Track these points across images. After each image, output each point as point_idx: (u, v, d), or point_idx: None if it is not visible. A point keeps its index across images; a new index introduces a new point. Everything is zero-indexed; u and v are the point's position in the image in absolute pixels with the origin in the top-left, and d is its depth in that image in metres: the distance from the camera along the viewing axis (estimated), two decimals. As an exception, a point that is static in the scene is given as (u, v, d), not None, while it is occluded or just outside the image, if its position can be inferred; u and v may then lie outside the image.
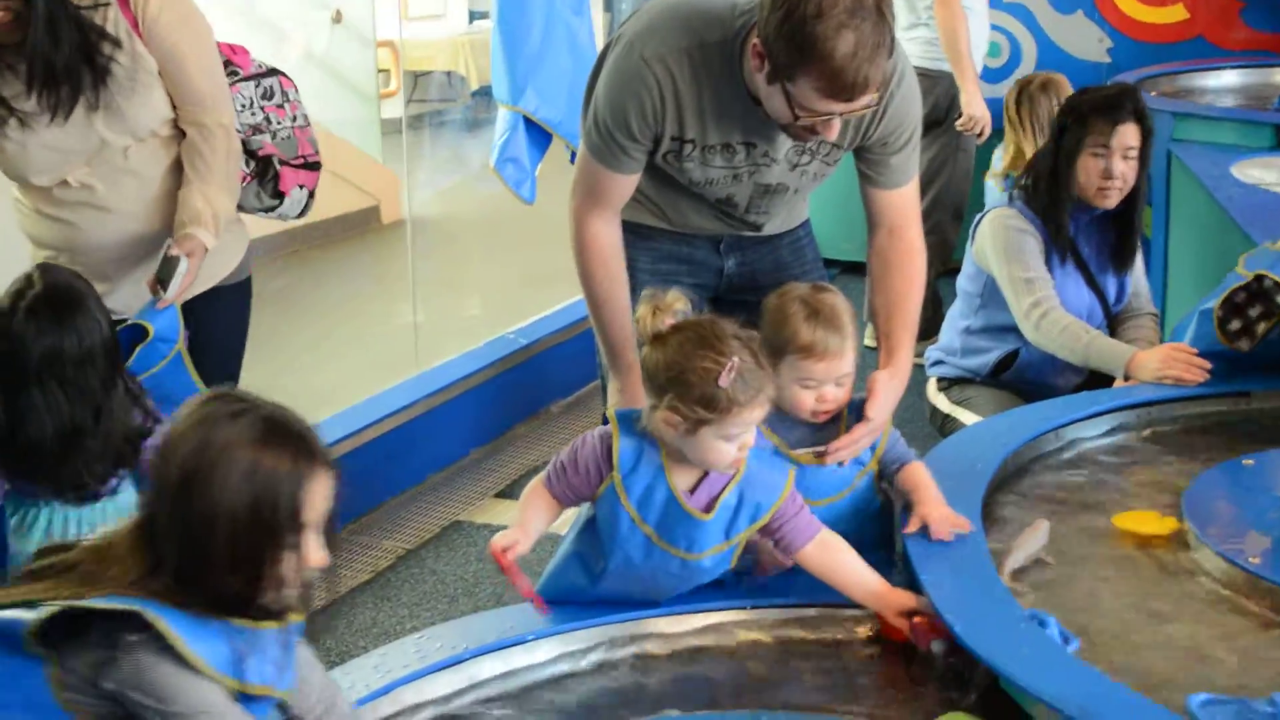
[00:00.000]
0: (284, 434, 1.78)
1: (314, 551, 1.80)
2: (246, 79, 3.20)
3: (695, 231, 2.97)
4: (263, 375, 5.11)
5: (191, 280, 2.81)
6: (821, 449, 2.58)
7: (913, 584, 2.38)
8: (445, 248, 7.48)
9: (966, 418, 3.65)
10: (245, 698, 1.81)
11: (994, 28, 6.16)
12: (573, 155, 4.67)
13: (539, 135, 4.69)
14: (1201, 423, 3.18)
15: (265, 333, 5.87)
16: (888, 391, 2.66)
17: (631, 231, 2.90)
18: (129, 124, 2.84)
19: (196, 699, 1.74)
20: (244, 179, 3.12)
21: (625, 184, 2.82)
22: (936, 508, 2.50)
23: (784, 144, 2.75)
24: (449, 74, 12.06)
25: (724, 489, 2.35)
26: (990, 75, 6.87)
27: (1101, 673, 2.06)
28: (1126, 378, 3.35)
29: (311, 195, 3.29)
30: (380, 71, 9.26)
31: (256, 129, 3.14)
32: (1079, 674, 2.05)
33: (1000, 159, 5.07)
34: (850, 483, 2.63)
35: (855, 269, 3.59)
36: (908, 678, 2.32)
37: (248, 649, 1.79)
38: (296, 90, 3.27)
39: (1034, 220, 3.63)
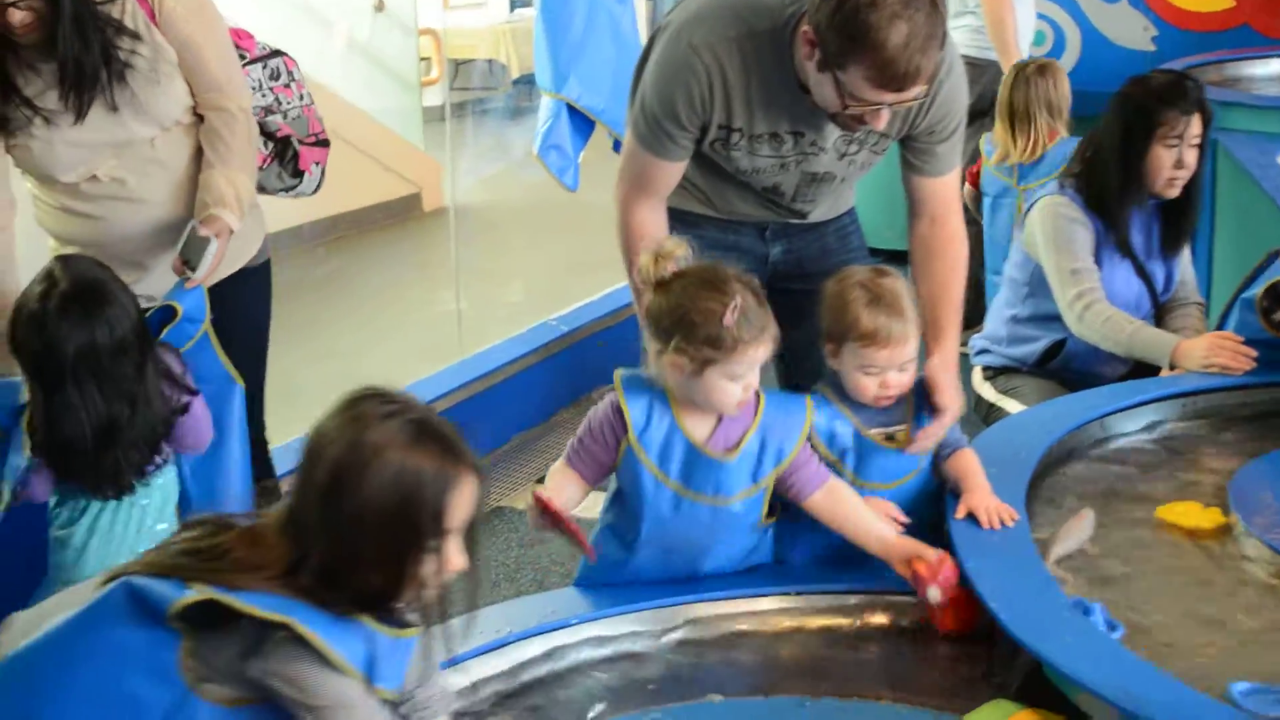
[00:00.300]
0: (434, 437, 1.80)
1: (455, 556, 1.83)
2: (253, 62, 3.21)
3: (741, 219, 2.98)
4: (307, 360, 5.14)
5: (219, 261, 2.82)
6: (892, 431, 2.59)
7: (958, 570, 2.38)
8: (487, 235, 7.50)
9: (1012, 407, 3.63)
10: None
11: (1039, 16, 6.13)
12: (615, 143, 4.69)
13: (582, 123, 4.69)
14: (1247, 412, 3.16)
15: (309, 318, 5.92)
16: (949, 379, 2.67)
17: (677, 219, 2.91)
18: (154, 114, 2.85)
19: (337, 693, 1.78)
20: (263, 160, 3.13)
21: (672, 171, 2.82)
22: (985, 497, 2.51)
23: (832, 133, 2.75)
24: (490, 62, 12.07)
25: (745, 434, 2.39)
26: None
27: (1145, 660, 2.06)
28: (1172, 367, 3.33)
29: (324, 172, 3.31)
30: (422, 60, 9.28)
31: (269, 110, 3.16)
32: (1123, 661, 2.05)
33: (993, 148, 5.01)
34: (917, 465, 2.64)
35: (898, 257, 3.60)
36: (951, 664, 2.33)
37: (380, 653, 1.83)
38: (299, 69, 3.28)
39: (1086, 210, 3.61)
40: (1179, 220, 3.65)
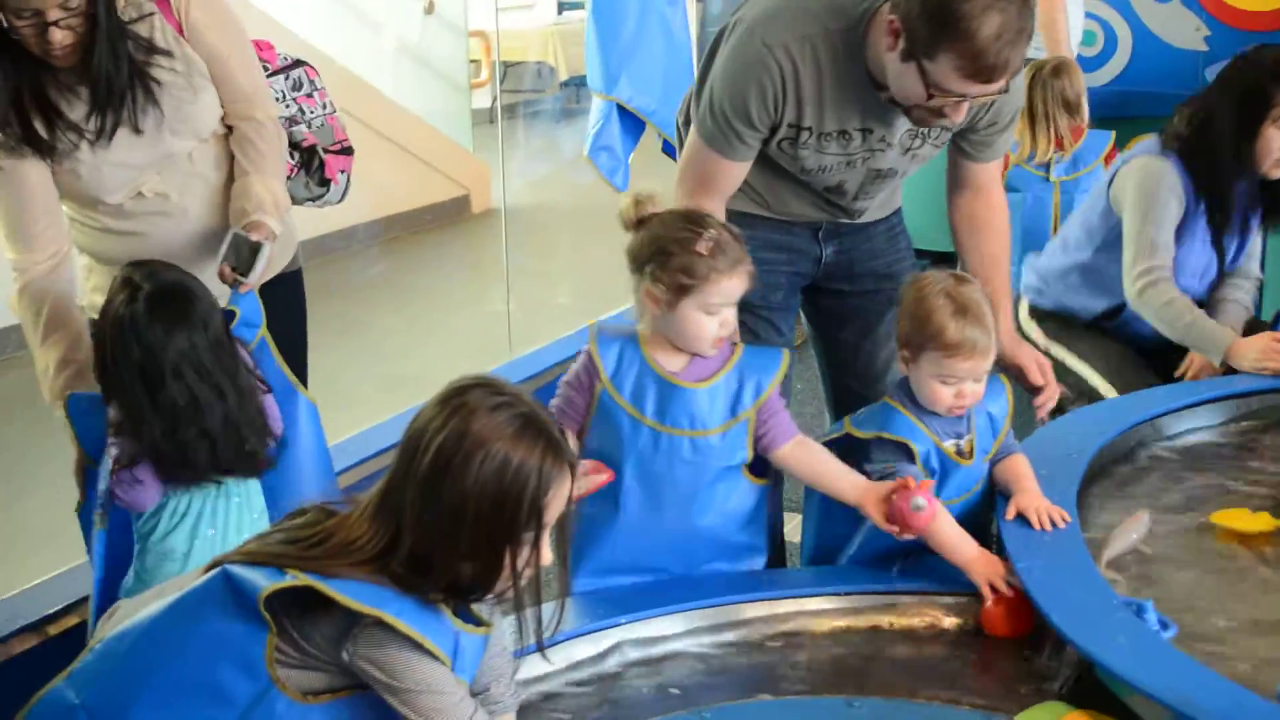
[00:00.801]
0: (539, 431, 1.82)
1: (545, 550, 1.85)
2: (276, 73, 3.21)
3: (795, 219, 2.97)
4: (355, 360, 5.18)
5: (268, 265, 2.84)
6: (959, 444, 2.58)
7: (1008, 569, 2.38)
8: (537, 236, 7.53)
9: (1066, 358, 3.65)
10: None
11: (1089, 15, 6.09)
12: (664, 144, 4.70)
13: (632, 124, 4.70)
14: (1301, 413, 3.14)
15: (359, 319, 5.95)
16: (1026, 351, 2.82)
17: (732, 219, 2.90)
18: (192, 127, 2.85)
19: (424, 676, 1.81)
20: (291, 170, 3.14)
21: (737, 171, 2.81)
22: (1035, 498, 2.51)
23: (900, 128, 2.74)
24: (539, 64, 12.10)
25: (720, 369, 2.45)
26: (1085, 64, 6.79)
27: (1197, 661, 2.05)
28: (1224, 364, 3.31)
29: (349, 180, 3.31)
30: (471, 62, 9.32)
31: (293, 120, 3.16)
32: (1174, 662, 2.04)
33: (1015, 146, 4.99)
34: (983, 476, 2.63)
35: (946, 259, 3.61)
36: (1003, 665, 2.32)
37: (462, 645, 1.86)
38: (320, 78, 3.29)
39: (1184, 175, 3.56)
40: (1277, 198, 3.62)
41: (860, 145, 2.76)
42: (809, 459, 2.54)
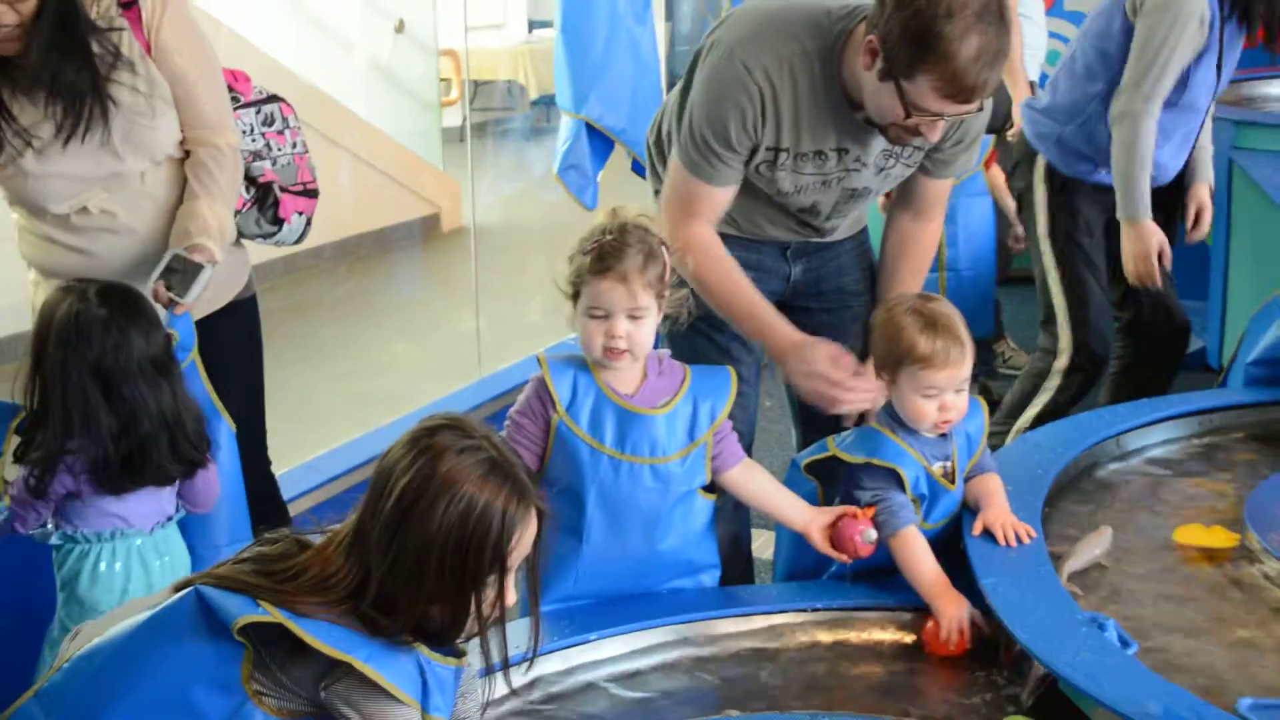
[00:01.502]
0: (505, 475, 1.83)
1: (510, 592, 1.86)
2: (247, 105, 3.17)
3: (765, 239, 2.99)
4: (324, 379, 5.17)
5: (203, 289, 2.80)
6: (944, 467, 2.60)
7: (973, 586, 2.40)
8: (507, 254, 7.53)
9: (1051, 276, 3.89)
10: None
11: (1053, 35, 6.13)
12: (634, 163, 4.72)
13: (601, 143, 4.72)
14: (1263, 430, 3.17)
15: (328, 337, 5.95)
16: None
17: None
18: (147, 148, 2.82)
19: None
20: (242, 205, 3.10)
21: (722, 197, 2.80)
22: (1001, 514, 2.53)
23: (875, 147, 2.76)
24: (509, 83, 12.11)
25: (675, 396, 2.46)
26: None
27: (1160, 676, 2.07)
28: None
29: (309, 222, 3.26)
30: (441, 80, 9.32)
31: (257, 155, 3.12)
32: (1138, 677, 2.06)
33: None
34: (962, 498, 2.65)
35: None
36: (967, 680, 2.34)
37: (433, 682, 1.86)
38: (296, 116, 3.25)
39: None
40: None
41: (836, 165, 2.77)
42: (755, 483, 2.59)
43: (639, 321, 2.39)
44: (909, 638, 2.46)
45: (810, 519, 2.55)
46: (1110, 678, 2.04)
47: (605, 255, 2.37)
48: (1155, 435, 3.11)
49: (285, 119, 3.20)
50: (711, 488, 2.56)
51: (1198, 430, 3.16)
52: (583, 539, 2.46)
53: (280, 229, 3.17)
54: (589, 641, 2.38)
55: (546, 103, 10.98)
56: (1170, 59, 3.64)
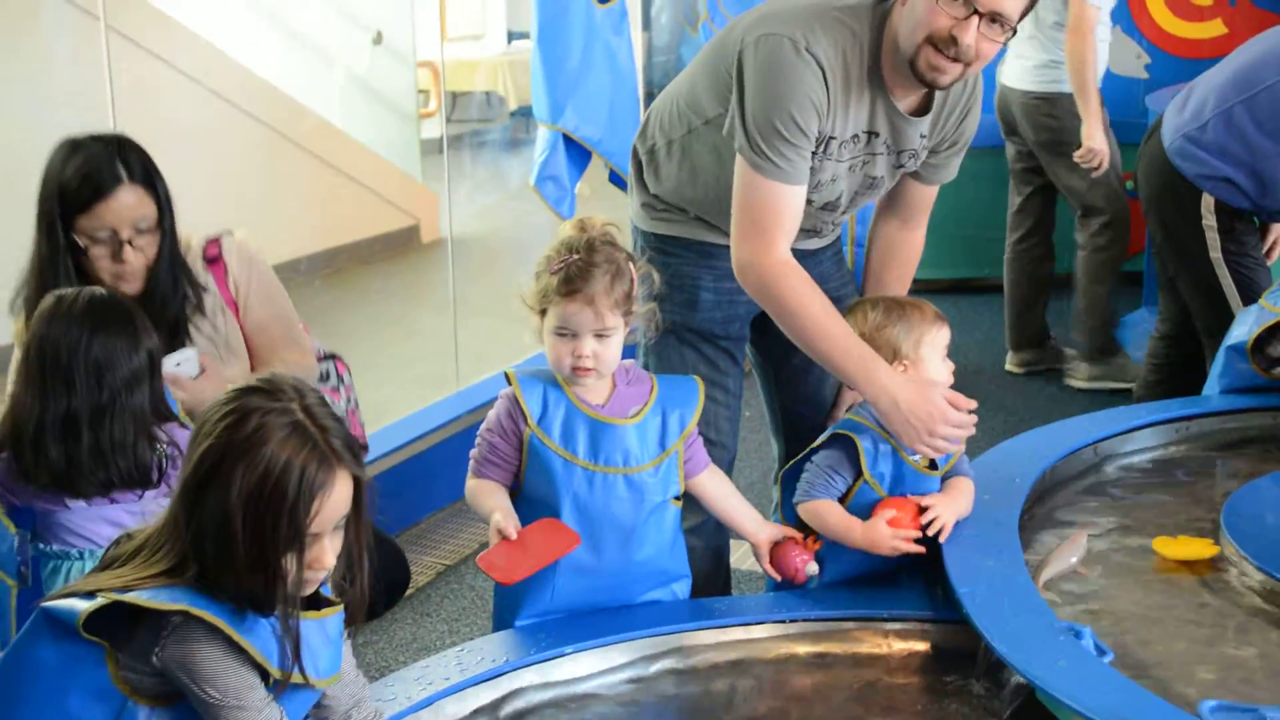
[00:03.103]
0: (305, 436, 1.79)
1: (326, 555, 1.82)
2: None
3: None
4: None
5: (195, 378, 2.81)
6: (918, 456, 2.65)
7: (949, 595, 2.40)
8: (485, 265, 7.52)
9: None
10: (288, 688, 1.84)
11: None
12: (611, 174, 4.72)
13: (578, 154, 4.71)
14: (1239, 436, 3.19)
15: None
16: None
17: (695, 250, 2.90)
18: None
19: (234, 689, 1.77)
20: None
21: (799, 200, 2.72)
22: (945, 508, 2.57)
23: (908, 137, 2.77)
24: (488, 94, 12.12)
25: (644, 406, 2.47)
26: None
27: (1136, 684, 2.07)
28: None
29: None
30: (420, 92, 9.32)
31: None
32: (1114, 685, 2.06)
33: None
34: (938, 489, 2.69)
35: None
36: (945, 690, 2.33)
37: (291, 640, 1.82)
38: (350, 374, 3.30)
39: None
40: None
41: (864, 148, 2.77)
42: (719, 490, 2.63)
43: (606, 340, 2.41)
44: (886, 648, 2.45)
45: (758, 531, 2.61)
46: (1087, 686, 2.04)
47: (572, 277, 2.38)
48: (1133, 443, 3.12)
49: (340, 376, 3.25)
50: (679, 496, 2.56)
51: (1175, 437, 3.17)
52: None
53: None
54: (565, 655, 2.37)
55: (526, 114, 10.98)
56: None
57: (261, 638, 1.79)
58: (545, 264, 2.42)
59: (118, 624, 1.79)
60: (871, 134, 2.76)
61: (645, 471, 2.45)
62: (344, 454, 1.82)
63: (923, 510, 2.55)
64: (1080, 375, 5.51)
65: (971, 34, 2.58)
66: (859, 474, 2.61)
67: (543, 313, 2.43)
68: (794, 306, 2.69)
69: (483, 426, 2.49)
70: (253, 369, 2.99)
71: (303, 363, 3.05)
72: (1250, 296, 3.83)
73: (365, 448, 3.18)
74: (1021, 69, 5.28)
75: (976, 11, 2.55)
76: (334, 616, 1.90)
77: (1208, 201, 3.87)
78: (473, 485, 2.49)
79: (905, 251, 3.06)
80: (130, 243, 2.75)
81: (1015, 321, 5.72)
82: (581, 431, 2.43)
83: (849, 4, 2.72)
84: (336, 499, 1.81)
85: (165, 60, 6.61)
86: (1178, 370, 4.27)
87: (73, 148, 2.77)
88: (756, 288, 2.73)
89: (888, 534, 2.53)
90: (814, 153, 2.71)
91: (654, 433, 2.47)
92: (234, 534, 1.75)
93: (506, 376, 2.48)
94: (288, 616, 1.80)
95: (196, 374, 2.79)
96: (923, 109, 2.77)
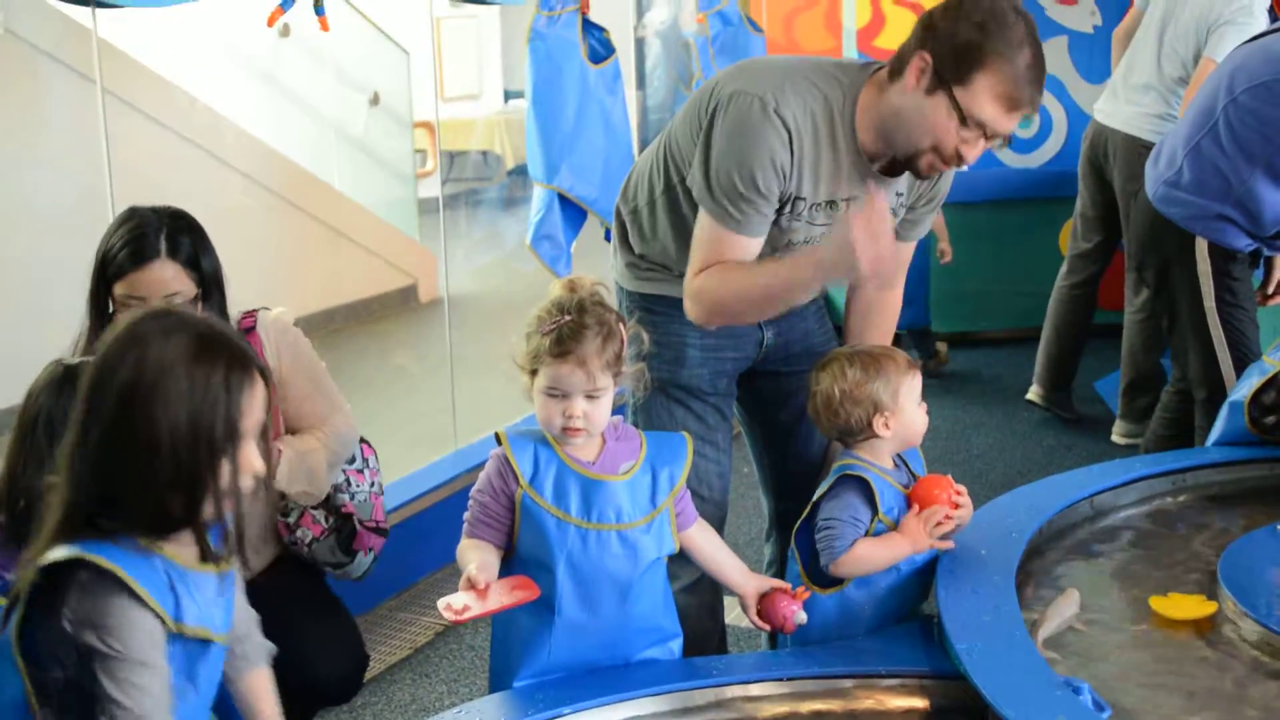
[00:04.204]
0: (218, 347, 1.82)
1: (253, 459, 1.86)
2: None
3: None
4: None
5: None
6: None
7: (946, 651, 2.39)
8: (483, 324, 7.53)
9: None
10: (193, 649, 1.86)
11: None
12: (606, 232, 4.74)
13: (574, 213, 4.74)
14: (1235, 489, 3.19)
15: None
16: None
17: (680, 308, 2.89)
18: None
19: (140, 646, 1.78)
20: (321, 533, 3.14)
21: (752, 247, 2.75)
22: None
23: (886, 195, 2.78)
24: (484, 153, 12.18)
25: (634, 464, 2.47)
26: (1022, 146, 6.92)
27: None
28: None
29: (375, 560, 3.30)
30: (417, 151, 9.37)
31: (337, 488, 3.17)
32: (1113, 741, 2.05)
33: None
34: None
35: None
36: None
37: (183, 589, 1.84)
38: (377, 458, 3.32)
39: None
40: None
41: (843, 214, 2.78)
42: (709, 542, 2.63)
43: (596, 400, 2.41)
44: (884, 705, 2.45)
45: (745, 583, 2.62)
46: (1085, 742, 2.03)
47: (564, 338, 2.39)
48: (1129, 495, 3.12)
49: (366, 459, 3.26)
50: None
51: (1171, 489, 3.17)
52: (555, 610, 2.44)
53: (352, 560, 3.18)
54: (564, 716, 2.36)
55: (522, 172, 11.03)
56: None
57: (158, 587, 1.81)
58: (536, 324, 2.43)
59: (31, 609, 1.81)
60: (850, 200, 2.76)
61: (638, 528, 2.45)
62: (252, 358, 1.86)
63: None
64: (1119, 432, 5.51)
65: (978, 150, 2.64)
66: (873, 512, 2.65)
67: (533, 372, 2.44)
68: (738, 297, 2.72)
69: (474, 488, 2.49)
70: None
71: (348, 425, 3.10)
72: (1239, 351, 3.86)
73: (385, 531, 3.19)
74: (1134, 114, 5.18)
75: (986, 134, 2.60)
76: (227, 574, 1.93)
77: (1201, 247, 3.90)
78: (463, 545, 2.49)
79: (883, 311, 3.06)
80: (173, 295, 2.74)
81: (1051, 362, 5.71)
82: (573, 489, 2.43)
83: (832, 64, 2.74)
84: (258, 399, 1.85)
85: (162, 123, 6.66)
86: (1188, 425, 4.26)
87: (129, 215, 2.80)
88: (707, 310, 2.77)
89: (923, 521, 2.64)
90: (781, 211, 2.73)
91: (645, 490, 2.48)
92: (165, 455, 1.77)
93: (497, 437, 2.48)
94: (226, 513, 1.85)
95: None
96: (898, 169, 2.79)
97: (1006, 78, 2.53)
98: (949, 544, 2.66)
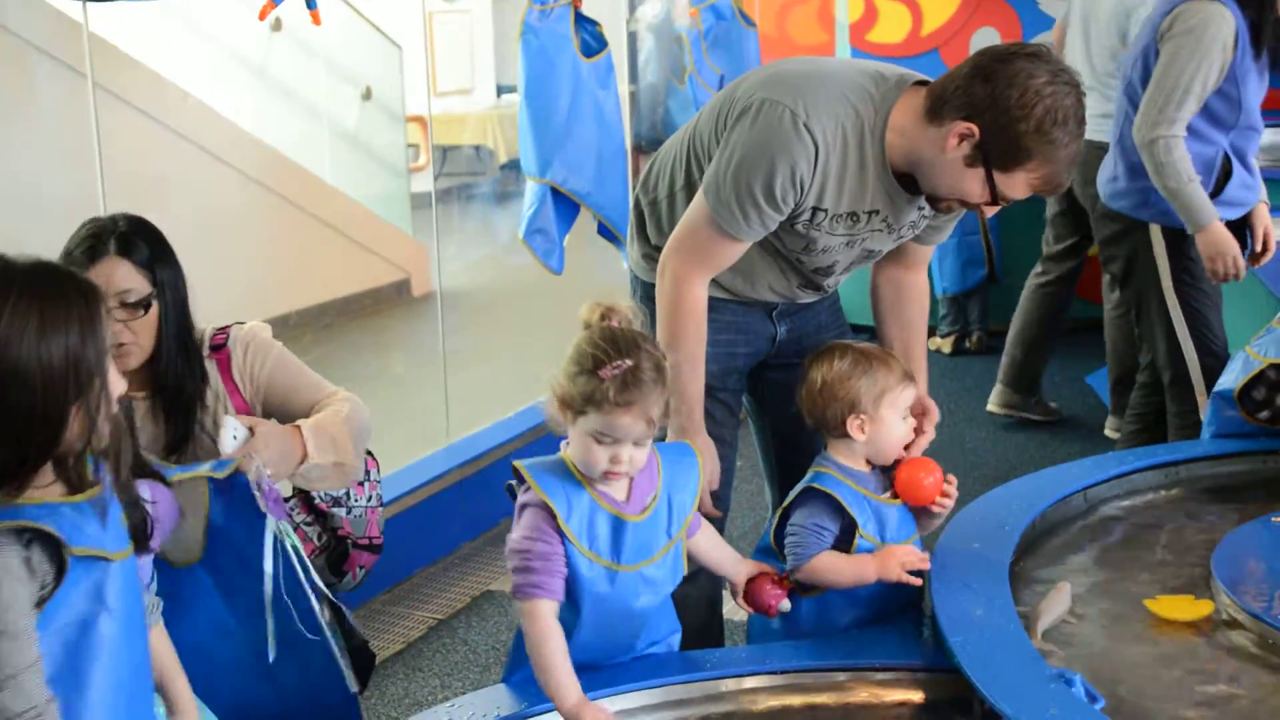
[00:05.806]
0: (60, 280, 1.81)
1: (116, 380, 1.85)
2: None
3: (756, 300, 2.99)
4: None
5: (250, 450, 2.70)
6: (888, 496, 2.70)
7: (940, 645, 2.39)
8: (475, 319, 7.54)
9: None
10: (94, 570, 1.84)
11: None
12: (599, 226, 4.74)
13: (566, 207, 4.73)
14: (1229, 481, 3.19)
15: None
16: (930, 401, 2.86)
17: None
18: None
19: (13, 615, 1.76)
20: (315, 551, 3.10)
21: (739, 251, 2.77)
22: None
23: (906, 212, 2.77)
24: (477, 147, 12.17)
25: (654, 497, 2.40)
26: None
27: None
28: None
29: (366, 574, 3.27)
30: (410, 146, 9.36)
31: (336, 502, 3.13)
32: (1107, 733, 2.05)
33: None
34: (916, 529, 2.72)
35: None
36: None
37: (57, 521, 1.81)
38: (379, 470, 3.26)
39: (1239, 14, 3.81)
40: None
41: (865, 226, 2.77)
42: (710, 543, 2.62)
43: (642, 446, 2.32)
44: (878, 698, 2.45)
45: (736, 568, 2.64)
46: (1079, 735, 2.04)
47: (629, 386, 2.24)
48: (1122, 489, 3.12)
49: (368, 472, 3.19)
50: None
51: (1165, 482, 3.17)
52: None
53: (340, 581, 3.15)
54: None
55: (515, 167, 11.02)
56: (1193, 82, 3.80)
57: (31, 512, 1.80)
58: (588, 362, 2.26)
59: None
60: (873, 213, 2.76)
61: (656, 563, 2.40)
62: (89, 283, 1.85)
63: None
64: (1111, 427, 5.52)
65: (993, 209, 2.68)
66: (844, 522, 2.62)
67: (580, 412, 2.29)
68: (680, 330, 2.79)
69: (516, 542, 2.35)
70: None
71: (348, 396, 3.01)
72: (1199, 331, 4.00)
73: (379, 548, 3.16)
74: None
75: None
76: (104, 499, 1.90)
77: (1155, 232, 4.07)
78: (534, 626, 2.31)
79: (914, 288, 3.05)
80: (112, 313, 2.70)
81: (1017, 361, 5.70)
82: (603, 529, 2.34)
83: (866, 75, 2.71)
84: (103, 315, 1.83)
85: (154, 117, 6.65)
86: (1157, 419, 4.33)
87: (91, 221, 2.78)
88: (666, 291, 2.80)
89: (898, 557, 2.59)
90: (798, 218, 2.73)
91: (661, 523, 2.41)
92: (34, 392, 1.76)
93: (517, 474, 2.38)
94: (114, 455, 1.87)
95: (248, 435, 2.77)
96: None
97: (1049, 173, 2.54)
98: (918, 581, 2.59)
